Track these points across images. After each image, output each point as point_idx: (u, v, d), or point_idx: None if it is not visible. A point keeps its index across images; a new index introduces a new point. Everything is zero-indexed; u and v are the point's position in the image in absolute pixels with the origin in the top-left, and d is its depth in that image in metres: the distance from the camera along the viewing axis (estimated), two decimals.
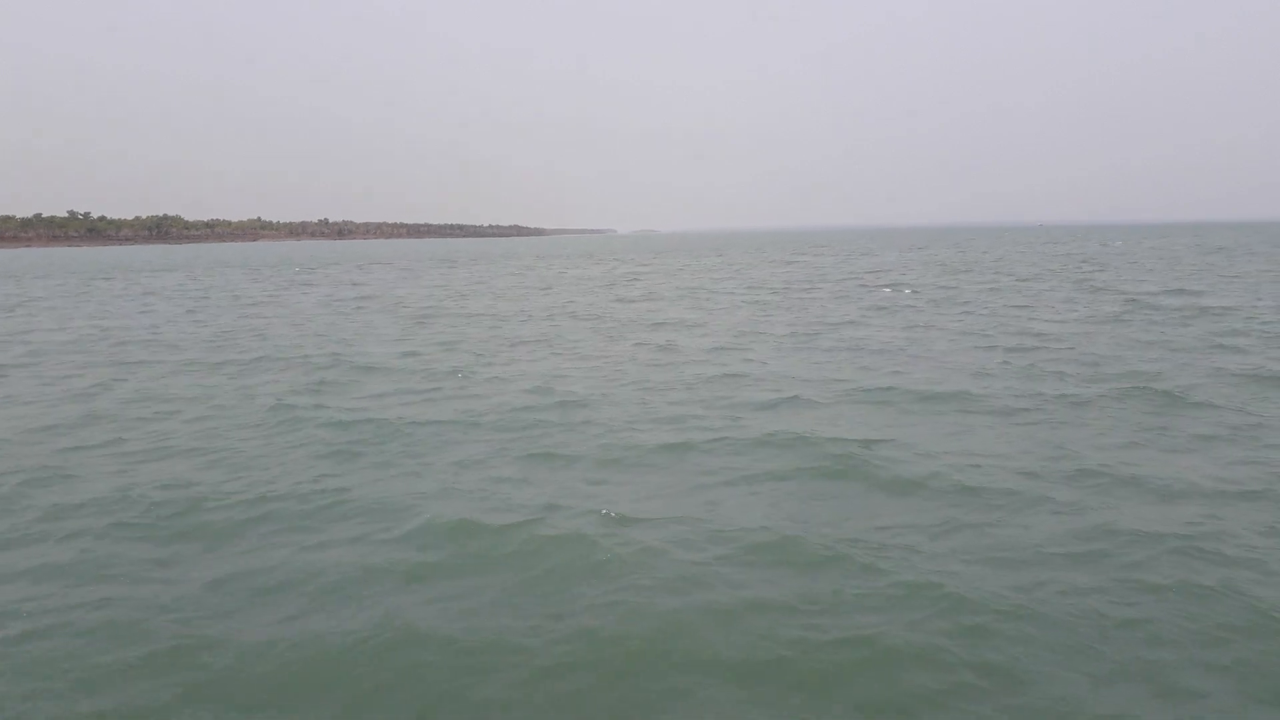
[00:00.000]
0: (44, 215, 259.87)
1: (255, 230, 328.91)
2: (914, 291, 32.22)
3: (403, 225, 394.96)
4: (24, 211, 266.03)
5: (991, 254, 68.22)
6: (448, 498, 8.65)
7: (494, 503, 8.49)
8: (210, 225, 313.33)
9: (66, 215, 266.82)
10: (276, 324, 25.74)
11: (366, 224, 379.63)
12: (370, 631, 5.89)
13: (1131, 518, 7.68)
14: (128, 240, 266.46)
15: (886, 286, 35.31)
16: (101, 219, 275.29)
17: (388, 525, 7.96)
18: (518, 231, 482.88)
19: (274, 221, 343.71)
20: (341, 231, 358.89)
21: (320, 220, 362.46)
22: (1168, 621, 5.80)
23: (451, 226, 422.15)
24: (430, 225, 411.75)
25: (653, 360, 17.10)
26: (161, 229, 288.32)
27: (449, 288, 41.90)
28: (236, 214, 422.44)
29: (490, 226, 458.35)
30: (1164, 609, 5.99)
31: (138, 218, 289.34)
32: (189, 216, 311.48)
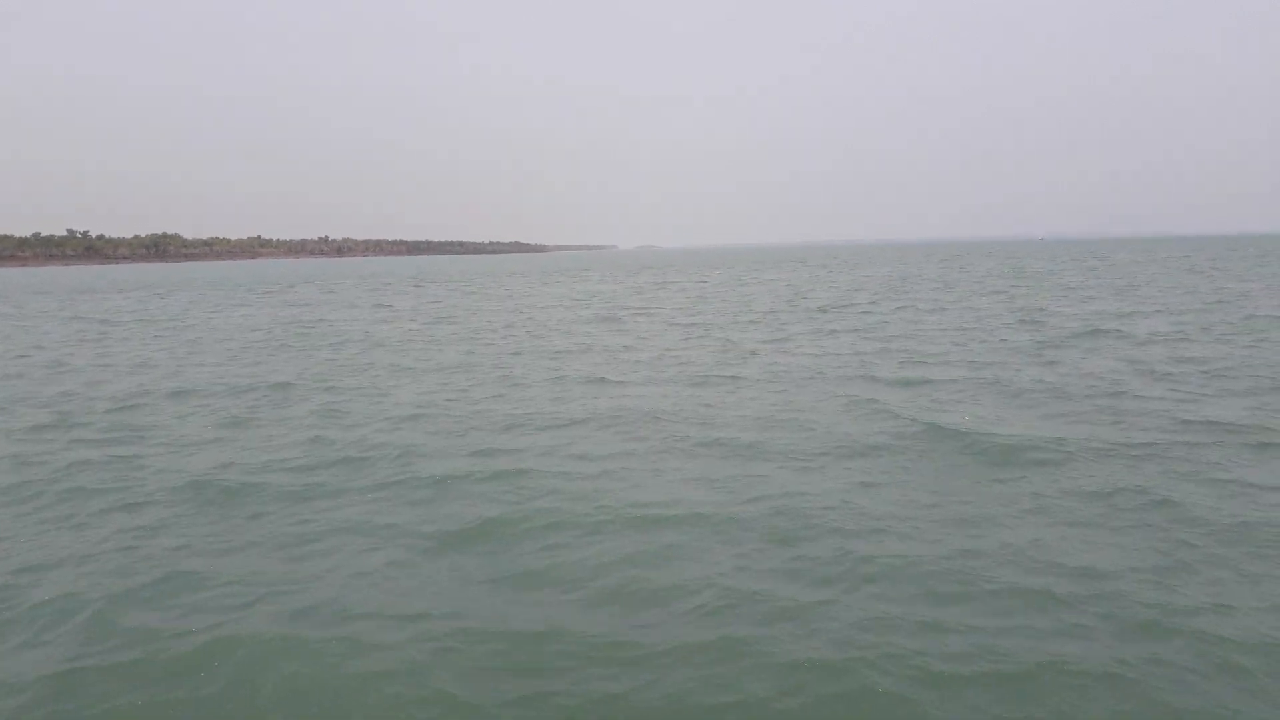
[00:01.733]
0: (42, 234, 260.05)
1: (254, 248, 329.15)
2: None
3: (403, 243, 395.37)
4: (23, 230, 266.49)
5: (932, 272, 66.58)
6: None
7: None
8: (209, 244, 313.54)
9: (65, 234, 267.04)
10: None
11: (367, 241, 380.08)
12: None
13: None
14: (125, 259, 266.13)
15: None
16: (100, 238, 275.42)
17: None
18: (518, 248, 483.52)
19: (273, 239, 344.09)
20: (341, 249, 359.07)
21: (320, 238, 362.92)
22: None
23: (452, 244, 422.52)
24: (430, 242, 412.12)
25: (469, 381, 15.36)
26: (159, 247, 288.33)
27: (362, 309, 40.15)
28: (237, 232, 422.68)
29: (490, 243, 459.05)
30: None
31: (136, 236, 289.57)
32: (189, 235, 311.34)
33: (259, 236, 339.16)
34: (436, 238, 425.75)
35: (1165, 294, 37.99)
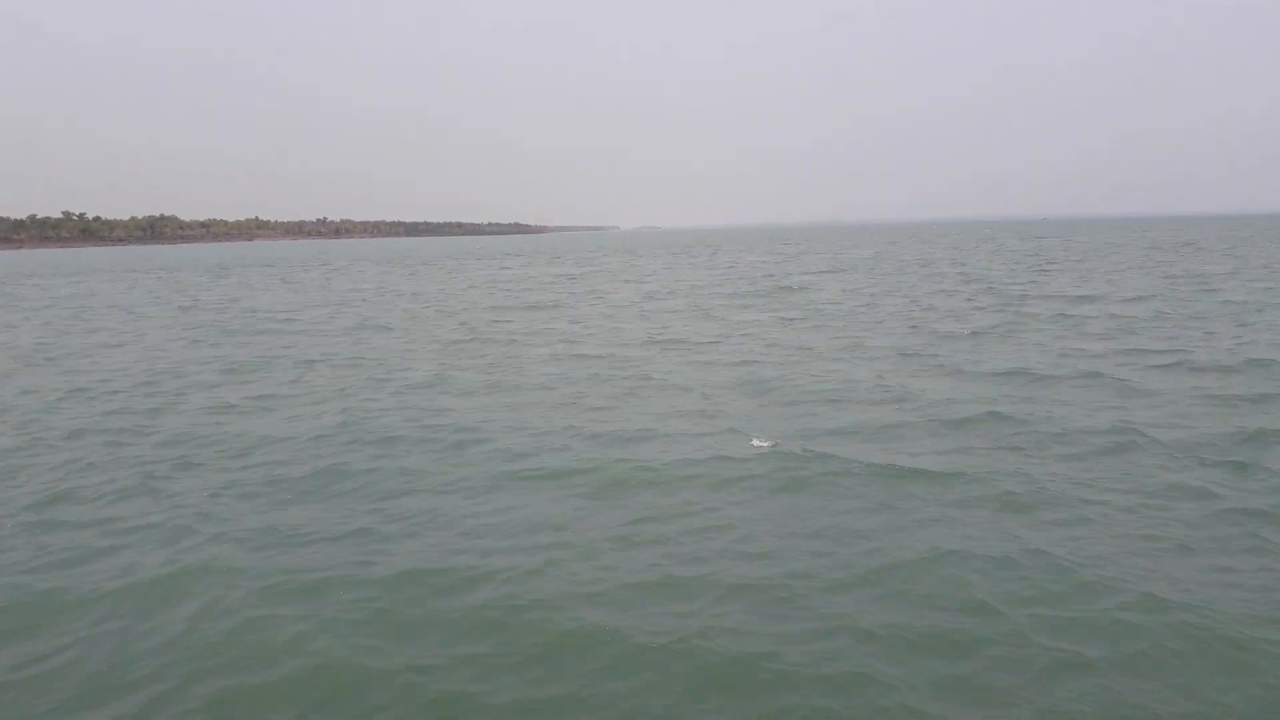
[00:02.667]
0: (38, 216, 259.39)
1: (252, 230, 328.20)
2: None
3: (401, 224, 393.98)
4: (18, 212, 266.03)
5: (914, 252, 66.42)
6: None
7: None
8: (206, 225, 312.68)
9: (61, 216, 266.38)
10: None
11: (365, 223, 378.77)
12: None
13: None
14: (120, 241, 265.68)
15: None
16: (96, 219, 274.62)
17: None
18: (518, 229, 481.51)
19: (271, 221, 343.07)
20: (339, 231, 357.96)
21: (319, 219, 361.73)
22: None
23: (451, 225, 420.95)
24: (429, 224, 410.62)
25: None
26: (156, 229, 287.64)
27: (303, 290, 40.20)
28: (235, 213, 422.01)
29: (490, 225, 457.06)
30: None
31: (133, 218, 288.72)
32: (186, 216, 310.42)
33: (256, 218, 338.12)
34: (436, 219, 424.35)
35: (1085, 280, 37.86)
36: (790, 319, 24.32)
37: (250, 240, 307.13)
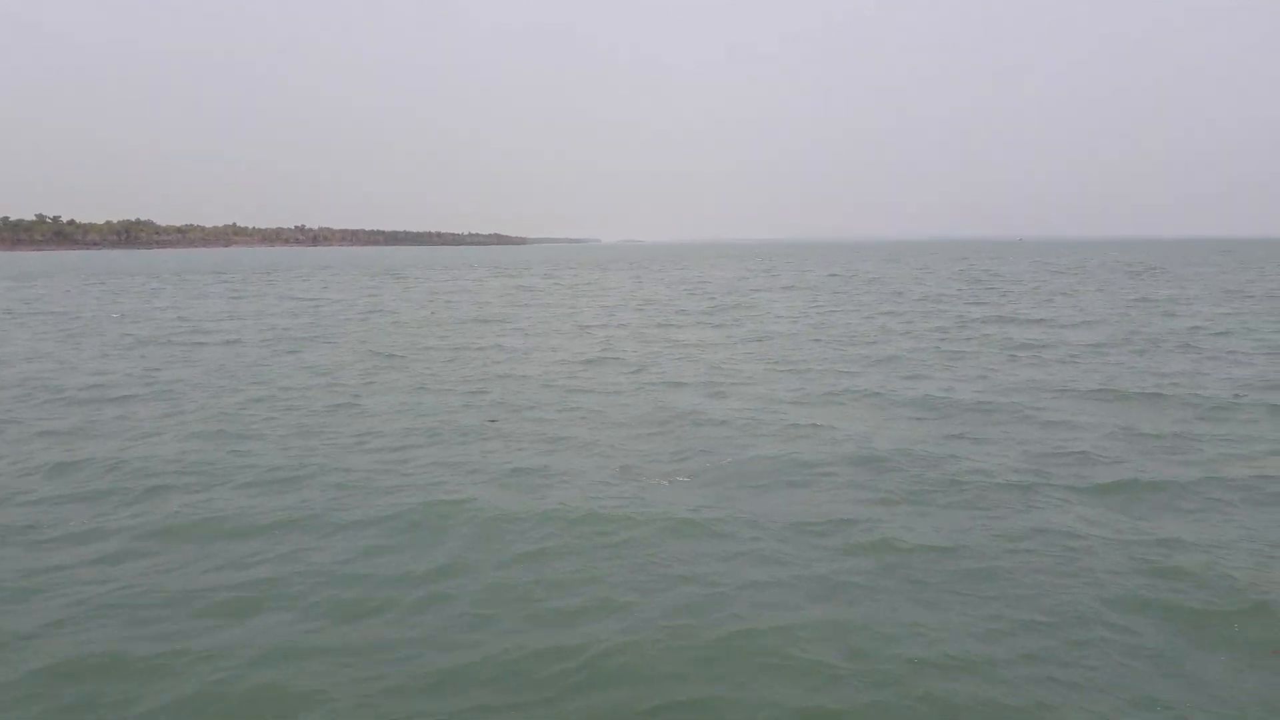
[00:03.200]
0: (10, 219, 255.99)
1: (229, 236, 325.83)
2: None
3: (380, 233, 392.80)
4: None
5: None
6: None
7: None
8: (182, 231, 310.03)
9: (34, 219, 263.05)
10: None
11: (343, 231, 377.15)
12: None
13: None
14: (94, 245, 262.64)
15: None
16: (70, 223, 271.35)
17: None
18: (498, 240, 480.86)
19: (248, 227, 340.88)
20: (316, 238, 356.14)
21: (296, 226, 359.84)
22: None
23: (430, 235, 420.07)
24: (408, 233, 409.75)
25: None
26: (131, 234, 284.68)
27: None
28: (214, 220, 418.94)
29: (470, 235, 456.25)
30: None
31: (108, 222, 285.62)
32: (163, 221, 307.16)
33: (234, 224, 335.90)
34: (415, 228, 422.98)
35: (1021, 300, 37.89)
36: (729, 339, 24.00)
37: (227, 246, 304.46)
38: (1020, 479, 10.46)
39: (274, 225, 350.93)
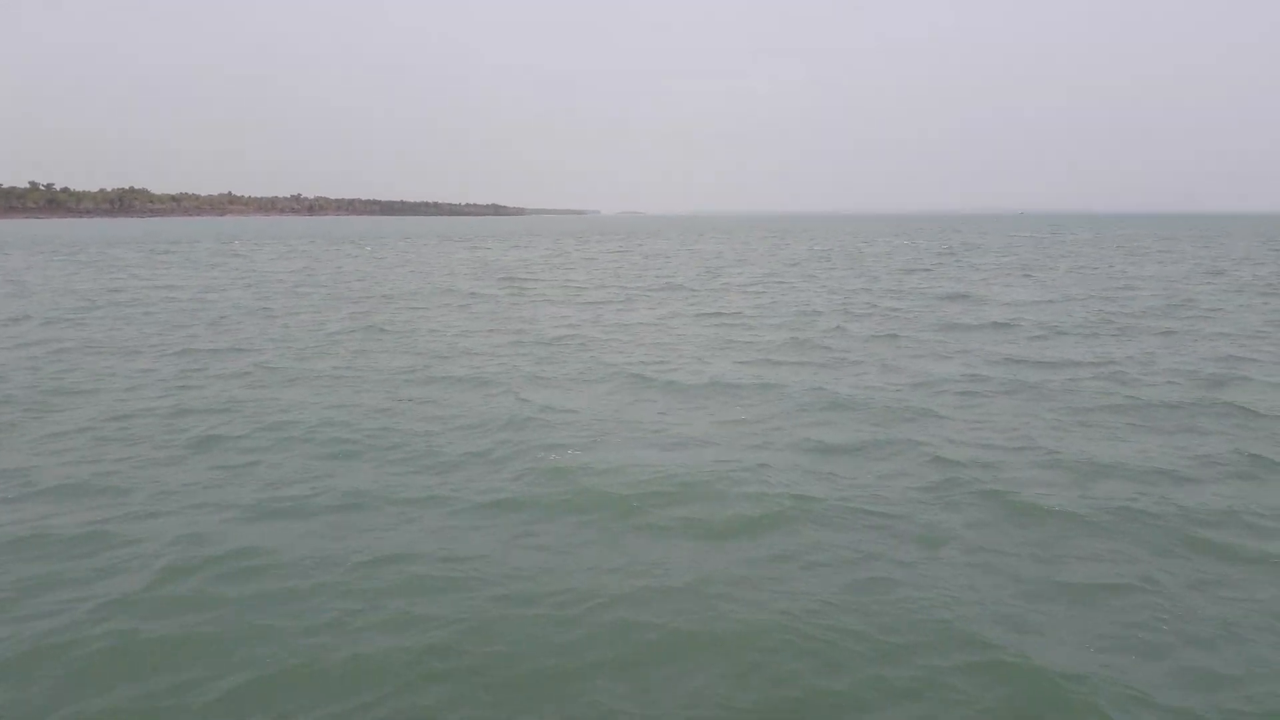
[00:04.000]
0: (4, 186, 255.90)
1: (224, 205, 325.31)
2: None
3: (376, 203, 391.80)
4: None
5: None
6: None
7: None
8: (177, 199, 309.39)
9: (27, 186, 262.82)
10: None
11: (340, 200, 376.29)
12: None
13: None
14: (88, 213, 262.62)
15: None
16: (64, 191, 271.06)
17: None
18: (496, 211, 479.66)
19: (244, 196, 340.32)
20: (313, 208, 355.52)
21: (293, 196, 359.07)
22: None
23: (427, 205, 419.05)
24: (405, 203, 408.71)
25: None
26: (125, 202, 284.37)
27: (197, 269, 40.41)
28: (208, 188, 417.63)
29: (468, 205, 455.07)
30: None
31: (102, 190, 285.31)
32: (157, 189, 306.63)
33: (229, 193, 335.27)
34: (413, 198, 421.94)
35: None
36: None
37: (222, 215, 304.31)
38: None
39: (270, 195, 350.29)
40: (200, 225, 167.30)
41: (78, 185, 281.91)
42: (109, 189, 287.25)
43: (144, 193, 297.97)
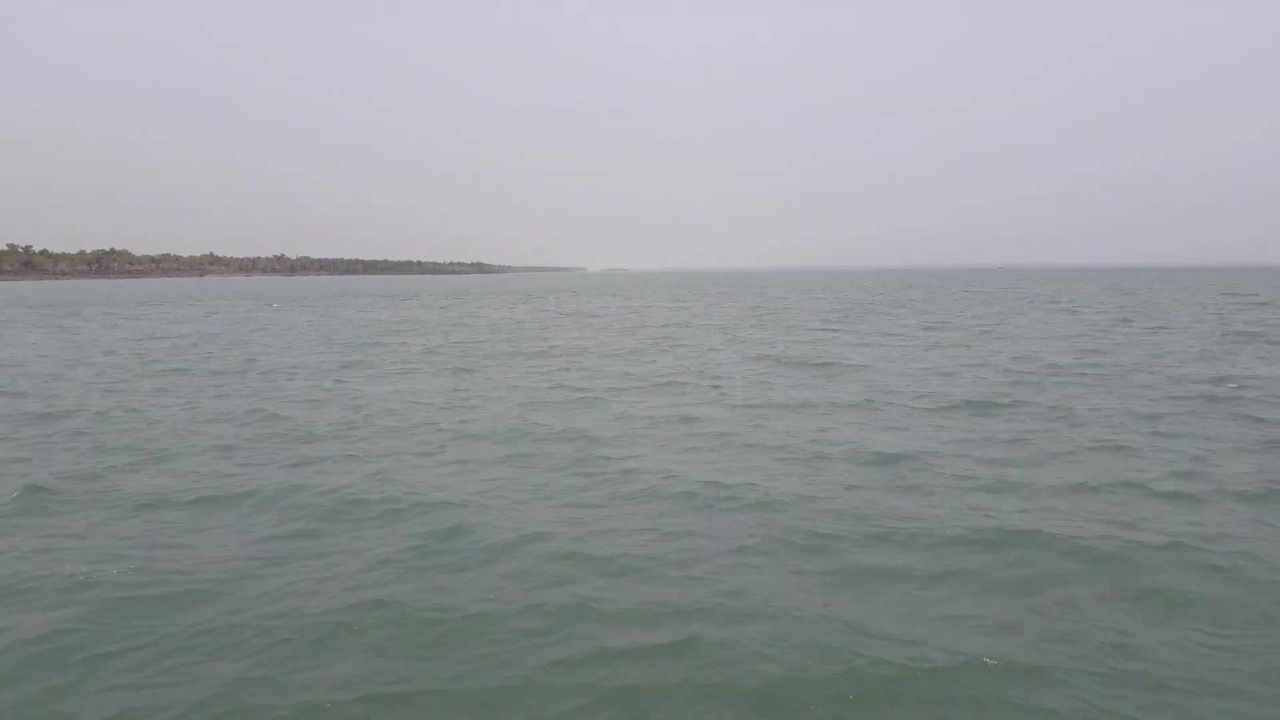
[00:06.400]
0: None
1: (204, 266, 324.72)
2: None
3: (359, 261, 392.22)
4: None
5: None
6: None
7: None
8: (156, 260, 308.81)
9: (4, 249, 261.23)
10: None
11: (322, 260, 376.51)
12: None
13: None
14: (64, 275, 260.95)
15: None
16: (42, 253, 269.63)
17: None
18: (480, 269, 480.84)
19: (225, 257, 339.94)
20: (294, 268, 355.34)
21: (275, 256, 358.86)
22: None
23: (410, 264, 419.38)
24: (388, 262, 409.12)
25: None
26: (103, 264, 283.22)
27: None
28: (190, 249, 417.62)
29: (451, 264, 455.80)
30: None
31: (80, 252, 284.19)
32: (138, 251, 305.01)
33: (211, 254, 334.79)
34: (395, 257, 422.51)
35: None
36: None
37: (202, 276, 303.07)
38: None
39: (252, 255, 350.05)
40: (164, 287, 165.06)
41: (56, 247, 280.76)
42: (88, 250, 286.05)
43: (124, 254, 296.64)
